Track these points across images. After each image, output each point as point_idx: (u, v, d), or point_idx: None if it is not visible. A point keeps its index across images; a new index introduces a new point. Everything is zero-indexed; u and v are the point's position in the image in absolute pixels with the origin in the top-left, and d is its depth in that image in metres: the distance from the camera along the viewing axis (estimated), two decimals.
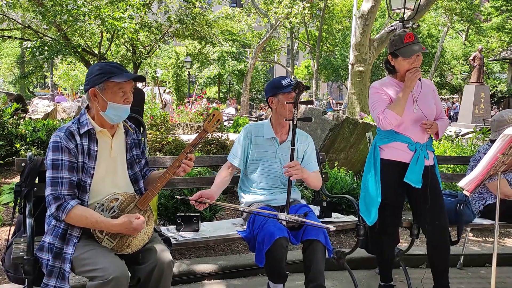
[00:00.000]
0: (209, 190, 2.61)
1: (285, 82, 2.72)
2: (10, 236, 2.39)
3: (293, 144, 2.56)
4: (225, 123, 15.68)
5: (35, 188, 2.36)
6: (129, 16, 7.94)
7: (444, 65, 30.05)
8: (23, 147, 5.78)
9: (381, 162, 2.86)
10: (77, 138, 2.05)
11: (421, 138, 2.81)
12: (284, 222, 2.47)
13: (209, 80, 32.86)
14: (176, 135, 8.93)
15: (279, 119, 2.78)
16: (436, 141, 6.27)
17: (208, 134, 2.24)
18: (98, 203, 2.04)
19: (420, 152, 2.78)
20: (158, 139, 6.14)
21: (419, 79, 2.74)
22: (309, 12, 19.43)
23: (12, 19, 9.86)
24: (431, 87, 2.93)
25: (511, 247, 4.25)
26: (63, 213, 1.95)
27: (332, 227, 2.28)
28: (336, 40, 31.95)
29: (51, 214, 1.99)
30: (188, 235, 2.68)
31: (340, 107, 26.24)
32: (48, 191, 1.98)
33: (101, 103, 2.06)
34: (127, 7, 8.19)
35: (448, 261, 2.83)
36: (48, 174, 1.99)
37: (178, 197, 2.50)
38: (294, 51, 32.61)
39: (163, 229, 2.75)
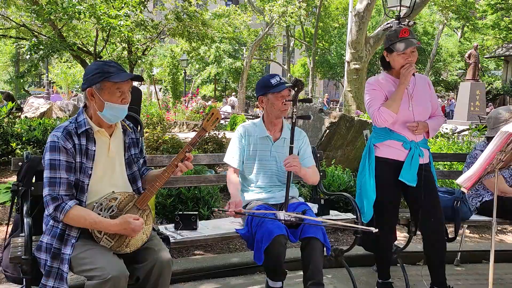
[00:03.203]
0: (235, 198, 2.61)
1: (274, 81, 2.70)
2: (8, 236, 2.38)
3: (291, 142, 2.56)
4: (222, 121, 15.70)
5: (32, 188, 2.35)
6: (125, 14, 7.90)
7: (439, 63, 30.16)
8: (19, 146, 5.75)
9: (376, 160, 2.86)
10: (75, 138, 2.03)
11: (416, 137, 2.82)
12: (282, 220, 2.47)
13: (206, 78, 32.81)
14: (173, 133, 8.92)
15: (270, 118, 2.78)
16: (432, 138, 6.29)
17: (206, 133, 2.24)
18: (96, 203, 2.03)
19: (415, 151, 2.78)
20: (155, 138, 6.13)
21: (413, 75, 2.75)
22: (305, 11, 19.42)
23: (6, 17, 9.79)
24: (426, 82, 2.92)
25: (508, 243, 4.28)
26: (61, 214, 1.94)
27: (359, 226, 2.23)
28: (332, 38, 31.94)
29: (49, 214, 1.98)
30: (186, 233, 2.68)
31: (336, 105, 26.27)
32: (45, 191, 1.97)
33: (98, 103, 2.05)
34: (123, 5, 8.16)
35: (445, 257, 2.84)
36: (46, 174, 1.98)
37: (219, 209, 2.55)
38: (290, 49, 32.59)
39: (161, 227, 2.74)
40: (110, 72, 2.01)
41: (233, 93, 23.33)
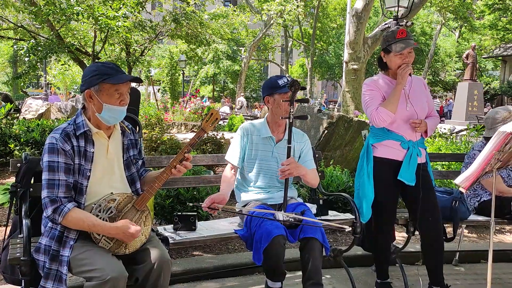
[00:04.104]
0: (218, 194, 2.61)
1: (282, 82, 2.72)
2: (6, 237, 2.38)
3: (289, 142, 2.57)
4: (220, 122, 15.70)
5: (31, 189, 2.34)
6: (123, 15, 7.90)
7: (438, 63, 30.21)
8: (17, 148, 5.74)
9: (374, 160, 2.87)
10: (73, 139, 2.03)
11: (414, 136, 2.83)
12: (281, 220, 2.47)
13: (204, 79, 32.82)
14: (171, 134, 8.92)
15: (275, 118, 2.79)
16: (430, 138, 6.31)
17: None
18: (95, 204, 2.03)
19: (413, 150, 2.79)
20: (154, 139, 6.13)
21: (410, 75, 2.76)
22: (303, 10, 19.44)
23: (4, 18, 9.78)
24: (422, 83, 2.95)
25: (506, 243, 4.29)
26: (59, 216, 1.93)
27: (347, 228, 2.28)
28: (330, 39, 31.98)
29: (47, 216, 1.97)
30: (185, 234, 2.68)
31: (335, 105, 26.29)
32: (44, 193, 1.96)
33: (97, 105, 2.04)
34: (121, 6, 8.16)
35: (443, 257, 2.84)
36: (44, 176, 1.98)
37: (190, 204, 2.53)
38: (288, 49, 32.64)
39: (160, 228, 2.74)
40: (109, 74, 2.01)
41: (241, 94, 23.45)
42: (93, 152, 2.07)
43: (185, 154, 2.11)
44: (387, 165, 2.83)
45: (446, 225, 3.22)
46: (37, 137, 6.08)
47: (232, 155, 2.83)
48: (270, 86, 2.75)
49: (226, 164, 2.86)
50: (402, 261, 3.24)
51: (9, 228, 2.43)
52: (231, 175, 2.81)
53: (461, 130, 9.65)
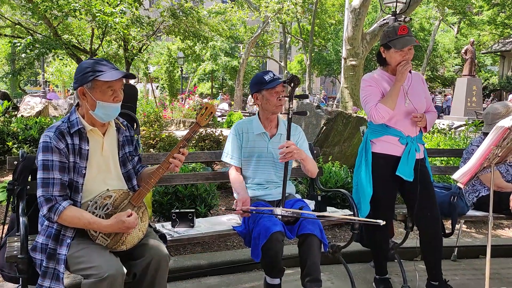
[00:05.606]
0: (243, 196, 2.56)
1: (268, 78, 2.70)
2: (4, 235, 2.37)
3: (288, 138, 2.56)
4: (219, 119, 15.69)
5: (28, 187, 2.33)
6: (120, 11, 7.88)
7: (436, 58, 30.19)
8: (15, 145, 5.73)
9: (372, 156, 2.87)
10: (68, 137, 2.01)
11: (412, 132, 2.82)
12: (279, 217, 2.47)
13: (202, 76, 32.74)
14: (170, 131, 8.91)
15: (266, 114, 2.78)
16: (429, 134, 6.31)
17: (201, 129, 2.23)
18: (91, 201, 2.02)
19: (411, 146, 2.79)
20: (152, 136, 6.12)
21: (410, 71, 2.76)
22: (301, 7, 19.38)
23: (1, 15, 9.76)
24: (420, 79, 2.95)
25: (504, 238, 4.29)
26: (55, 215, 1.92)
27: (381, 222, 2.24)
28: (329, 35, 31.90)
29: (43, 215, 1.97)
30: (183, 231, 2.68)
31: (333, 102, 26.27)
32: (39, 192, 1.95)
33: (90, 102, 2.02)
34: (118, 2, 8.14)
35: (441, 252, 2.84)
36: (39, 175, 1.96)
37: (227, 209, 2.51)
38: (286, 45, 32.56)
39: (158, 225, 2.74)
40: (101, 71, 1.98)
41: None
42: (88, 150, 2.06)
43: (180, 148, 2.10)
44: (386, 161, 2.83)
45: (445, 220, 3.22)
46: (35, 135, 6.07)
47: (232, 156, 2.80)
48: (257, 83, 2.74)
49: (224, 161, 2.85)
50: (400, 257, 3.24)
51: (7, 226, 2.42)
52: (238, 175, 2.78)
53: (460, 126, 9.66)
